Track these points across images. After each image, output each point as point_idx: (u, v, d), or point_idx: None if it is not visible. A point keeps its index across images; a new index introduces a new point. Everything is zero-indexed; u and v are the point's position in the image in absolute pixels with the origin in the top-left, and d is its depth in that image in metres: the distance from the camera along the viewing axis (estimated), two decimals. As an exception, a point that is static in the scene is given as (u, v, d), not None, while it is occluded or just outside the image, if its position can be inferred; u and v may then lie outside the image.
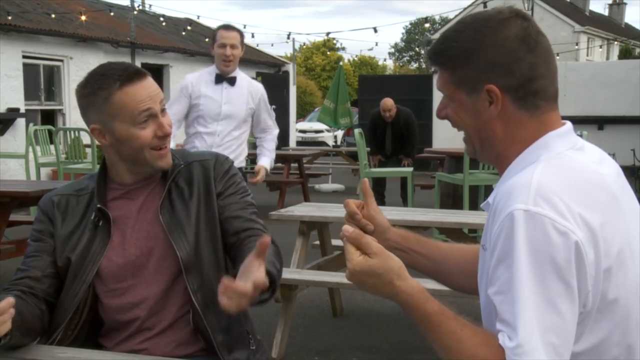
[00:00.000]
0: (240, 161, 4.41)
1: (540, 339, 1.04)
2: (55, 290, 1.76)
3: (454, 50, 1.23)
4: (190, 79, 4.35)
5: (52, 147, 8.90)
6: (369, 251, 1.19)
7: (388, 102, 8.93)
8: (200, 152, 1.90)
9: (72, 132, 8.48)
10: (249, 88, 4.38)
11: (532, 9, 21.59)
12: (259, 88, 4.47)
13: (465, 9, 30.55)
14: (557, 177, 1.13)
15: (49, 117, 12.51)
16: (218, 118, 4.28)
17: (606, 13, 39.10)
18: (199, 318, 1.75)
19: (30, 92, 12.01)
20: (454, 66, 1.24)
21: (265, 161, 4.55)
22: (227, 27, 4.32)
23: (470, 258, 1.46)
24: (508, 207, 1.10)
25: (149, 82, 1.73)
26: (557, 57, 20.85)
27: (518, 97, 1.20)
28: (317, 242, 4.42)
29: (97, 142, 1.83)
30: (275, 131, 4.63)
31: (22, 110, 11.58)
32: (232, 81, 4.31)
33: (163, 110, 1.76)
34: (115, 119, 1.70)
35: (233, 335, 1.79)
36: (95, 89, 1.69)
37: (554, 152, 1.19)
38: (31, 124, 9.02)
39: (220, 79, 4.31)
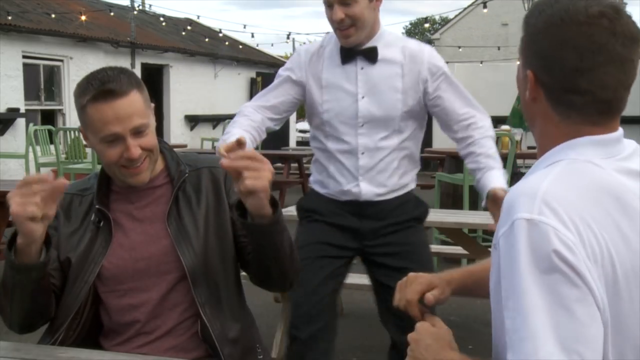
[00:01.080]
0: (407, 192, 2.52)
1: (562, 352, 0.97)
2: (61, 284, 1.76)
3: (532, 19, 1.18)
4: (304, 53, 2.50)
5: (52, 147, 8.91)
6: (434, 322, 1.35)
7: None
8: (211, 158, 1.83)
9: (72, 132, 8.48)
10: (405, 59, 2.40)
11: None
12: (428, 55, 2.42)
13: (465, 8, 30.60)
14: (568, 188, 1.07)
15: (49, 117, 12.52)
16: (354, 123, 2.43)
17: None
18: (207, 330, 1.72)
19: (30, 92, 12.01)
20: (525, 34, 1.19)
21: (497, 177, 2.34)
22: None
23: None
24: (513, 214, 1.06)
25: (123, 102, 1.64)
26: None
27: (551, 97, 1.16)
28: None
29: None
30: (486, 120, 2.46)
31: (22, 110, 11.58)
32: (370, 55, 2.38)
33: (139, 133, 1.67)
34: (88, 129, 1.70)
35: (241, 347, 1.77)
36: (78, 94, 1.69)
37: (581, 158, 1.12)
38: (31, 124, 9.03)
39: (349, 54, 2.39)
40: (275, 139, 10.95)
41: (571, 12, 1.12)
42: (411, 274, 1.55)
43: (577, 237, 1.02)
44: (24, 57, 11.71)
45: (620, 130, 1.17)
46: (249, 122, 2.45)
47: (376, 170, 2.43)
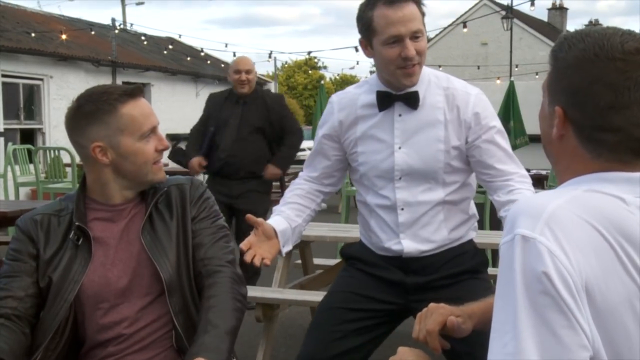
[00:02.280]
0: (461, 244, 2.23)
1: None
2: (37, 311, 1.75)
3: (562, 54, 1.14)
4: (336, 102, 2.28)
5: (31, 166, 8.82)
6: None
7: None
8: (176, 177, 1.93)
9: (52, 151, 8.41)
10: (448, 104, 2.13)
11: (511, 28, 21.91)
12: (475, 99, 2.13)
13: (445, 28, 30.95)
14: (576, 214, 1.04)
15: (28, 136, 12.41)
16: (391, 176, 2.18)
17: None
18: (181, 340, 1.75)
19: (9, 111, 11.92)
20: (554, 68, 1.16)
21: None
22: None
23: None
24: (516, 227, 1.04)
25: (145, 99, 1.83)
26: (537, 76, 21.16)
27: (581, 135, 1.11)
28: (299, 261, 4.40)
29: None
30: (526, 183, 2.13)
31: (1, 130, 11.48)
32: (411, 100, 2.13)
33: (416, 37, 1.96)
34: (123, 133, 1.74)
35: None
36: (99, 105, 1.73)
37: (605, 190, 1.08)
38: (10, 143, 8.94)
39: (386, 100, 2.15)
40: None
41: (606, 48, 1.09)
42: (432, 305, 1.50)
43: (573, 265, 1.00)
44: (3, 76, 11.64)
45: None
46: (295, 194, 2.32)
47: (419, 225, 2.15)
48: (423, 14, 2.04)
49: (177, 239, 1.81)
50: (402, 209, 2.16)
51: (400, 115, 2.12)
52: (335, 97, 2.28)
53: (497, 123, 2.12)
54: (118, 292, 1.76)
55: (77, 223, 1.77)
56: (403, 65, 2.03)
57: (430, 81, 2.13)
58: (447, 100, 2.11)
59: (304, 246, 4.23)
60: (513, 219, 1.06)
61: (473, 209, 2.27)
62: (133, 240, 1.79)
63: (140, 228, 1.79)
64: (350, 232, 4.28)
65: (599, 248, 1.03)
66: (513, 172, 2.09)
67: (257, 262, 1.95)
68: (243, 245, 1.96)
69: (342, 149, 2.26)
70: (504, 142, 2.12)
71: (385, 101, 2.13)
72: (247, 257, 1.95)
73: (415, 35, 2.01)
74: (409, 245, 2.17)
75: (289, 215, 2.22)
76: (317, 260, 4.48)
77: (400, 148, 2.13)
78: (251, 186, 4.73)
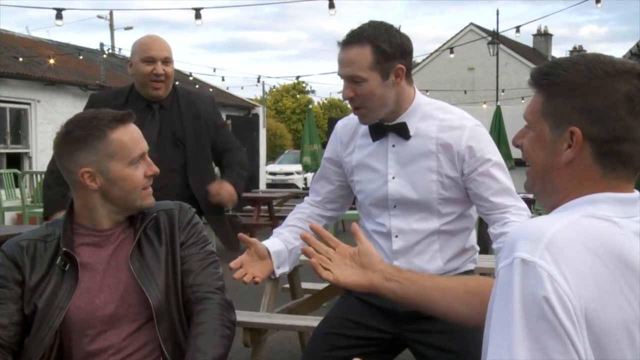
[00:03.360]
0: (458, 274, 2.18)
1: None
2: (21, 338, 1.73)
3: (560, 78, 1.15)
4: (340, 128, 2.30)
5: (17, 190, 8.76)
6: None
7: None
8: (164, 202, 1.92)
9: (38, 176, 8.37)
10: (441, 133, 2.10)
11: (497, 54, 22.16)
12: (470, 130, 2.10)
13: (432, 53, 31.25)
14: (575, 240, 1.05)
15: (14, 160, 12.35)
16: (385, 205, 2.18)
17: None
18: None
19: (-4, 135, 11.85)
20: (552, 93, 1.16)
21: None
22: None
23: (471, 289, 1.46)
24: (515, 251, 1.05)
25: (134, 124, 1.81)
26: (522, 101, 21.34)
27: (600, 151, 1.13)
28: (287, 286, 4.38)
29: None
30: (522, 215, 2.09)
31: (-13, 154, 11.41)
32: (400, 131, 2.12)
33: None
34: (112, 159, 1.73)
35: None
36: (89, 131, 1.72)
37: (599, 212, 1.11)
38: (-4, 168, 8.89)
39: (379, 130, 2.15)
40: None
41: (610, 64, 1.14)
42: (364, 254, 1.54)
43: (572, 290, 1.01)
44: (-10, 99, 11.60)
45: (637, 193, 1.16)
46: (296, 217, 2.33)
47: (413, 254, 2.14)
48: (378, 57, 1.99)
49: (166, 265, 1.79)
50: (396, 236, 2.15)
51: (393, 145, 2.13)
52: (340, 123, 2.30)
53: (494, 156, 2.08)
54: (105, 319, 1.74)
55: (64, 249, 1.75)
56: (353, 107, 2.09)
57: (426, 112, 2.12)
58: (440, 131, 2.09)
59: (292, 270, 4.22)
60: (512, 243, 1.06)
61: (472, 241, 2.23)
62: (121, 266, 1.77)
63: (129, 254, 1.77)
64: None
65: (598, 274, 1.04)
66: (510, 205, 2.06)
67: (247, 280, 1.92)
68: (233, 263, 1.91)
69: (344, 174, 2.28)
70: (502, 174, 2.08)
71: (377, 132, 2.14)
72: (236, 275, 1.92)
73: (354, 80, 2.02)
74: None
75: (286, 238, 2.21)
76: (305, 285, 4.47)
77: (393, 178, 2.13)
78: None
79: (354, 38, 2.01)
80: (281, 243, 2.16)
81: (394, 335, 2.17)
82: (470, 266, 2.23)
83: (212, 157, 3.19)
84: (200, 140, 3.09)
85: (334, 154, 2.28)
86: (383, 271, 1.51)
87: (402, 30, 2.13)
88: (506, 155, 9.90)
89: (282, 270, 2.12)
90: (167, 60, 3.00)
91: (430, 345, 2.11)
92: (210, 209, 3.08)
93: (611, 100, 1.11)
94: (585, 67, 1.14)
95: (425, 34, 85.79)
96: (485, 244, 4.91)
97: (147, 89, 3.00)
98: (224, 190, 3.04)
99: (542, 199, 1.24)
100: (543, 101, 1.17)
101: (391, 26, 2.07)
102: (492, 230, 2.07)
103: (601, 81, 1.12)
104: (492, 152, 2.09)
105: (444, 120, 2.10)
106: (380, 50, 1.99)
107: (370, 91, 2.02)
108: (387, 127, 2.13)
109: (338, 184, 2.30)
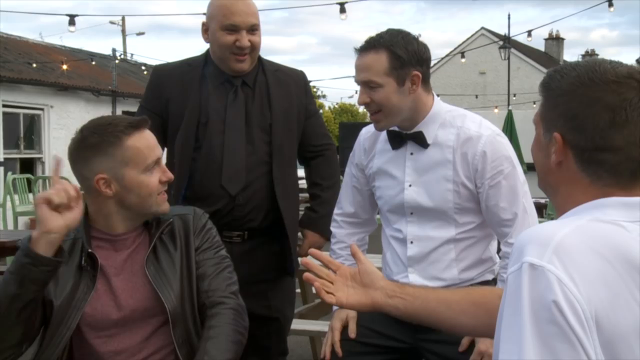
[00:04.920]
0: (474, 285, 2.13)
1: None
2: (40, 324, 1.73)
3: (555, 84, 1.18)
4: (363, 134, 2.28)
5: (30, 195, 8.82)
6: None
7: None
8: (178, 207, 1.93)
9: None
10: (458, 142, 2.07)
11: (509, 58, 22.09)
12: (486, 141, 2.05)
13: (443, 58, 31.21)
14: (584, 243, 1.05)
15: (28, 166, 12.44)
16: (402, 211, 2.17)
17: (580, 62, 39.97)
18: None
19: (9, 141, 11.96)
20: (547, 98, 1.20)
21: None
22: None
23: (476, 299, 1.45)
24: (523, 256, 1.05)
25: (149, 130, 1.81)
26: (534, 105, 21.25)
27: (582, 159, 1.14)
28: (299, 290, 4.38)
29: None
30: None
31: (1, 159, 11.50)
32: (418, 139, 2.11)
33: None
34: (127, 166, 1.73)
35: None
36: (104, 137, 1.72)
37: (607, 217, 1.11)
38: (9, 173, 8.96)
39: (397, 138, 2.15)
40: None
41: (600, 72, 1.14)
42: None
43: (582, 294, 1.01)
44: (4, 106, 11.70)
45: None
46: (341, 250, 2.32)
47: (428, 262, 2.12)
48: (394, 63, 2.00)
49: (181, 270, 1.80)
50: (412, 242, 2.14)
51: (412, 153, 2.12)
52: (363, 130, 2.29)
53: (507, 167, 2.04)
54: (120, 322, 1.74)
55: (89, 250, 1.75)
56: (369, 113, 2.10)
57: (445, 120, 2.10)
58: (457, 140, 2.07)
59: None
60: (520, 248, 1.06)
61: (491, 252, 2.19)
62: (136, 271, 1.78)
63: (145, 259, 1.78)
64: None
65: (607, 277, 1.03)
66: (513, 219, 2.04)
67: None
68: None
69: (367, 184, 2.28)
70: (515, 183, 2.04)
71: (396, 140, 2.14)
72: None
73: (369, 86, 2.03)
74: (415, 280, 2.13)
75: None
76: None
77: (410, 186, 2.12)
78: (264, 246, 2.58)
79: (371, 44, 2.02)
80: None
81: (410, 345, 2.16)
82: (488, 277, 2.18)
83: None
84: (290, 127, 2.55)
85: (358, 161, 2.28)
86: (385, 288, 1.51)
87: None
88: (519, 159, 9.81)
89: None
90: (254, 28, 2.41)
91: (444, 357, 2.09)
92: (292, 223, 2.56)
93: (592, 110, 1.12)
94: (577, 73, 1.15)
95: (435, 38, 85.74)
96: None
97: (227, 62, 2.43)
98: (306, 245, 2.63)
99: (550, 199, 1.26)
100: (542, 106, 1.21)
101: (408, 33, 2.07)
102: (501, 246, 2.08)
103: (586, 89, 1.13)
104: (507, 161, 2.06)
105: (461, 128, 2.08)
106: (396, 56, 2.00)
107: (385, 97, 2.03)
108: (405, 136, 2.12)
109: (366, 194, 2.29)
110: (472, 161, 2.05)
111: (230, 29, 2.36)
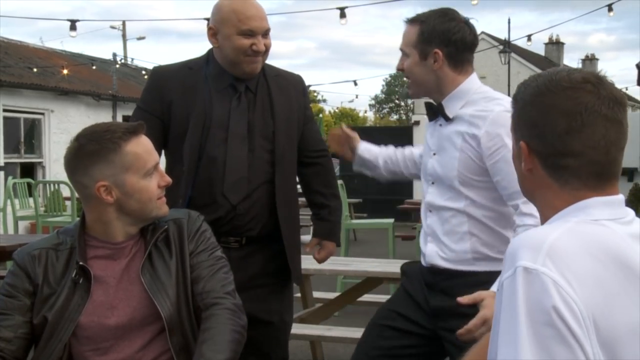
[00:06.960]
0: (489, 271, 2.11)
1: None
2: (24, 352, 1.72)
3: (519, 95, 1.24)
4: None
5: (31, 200, 8.82)
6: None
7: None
8: (174, 211, 1.90)
9: (51, 185, 8.42)
10: (471, 117, 2.15)
11: (509, 63, 22.11)
12: (495, 115, 2.11)
13: (443, 62, 31.16)
14: (575, 245, 1.07)
15: (28, 170, 12.44)
16: (428, 179, 2.29)
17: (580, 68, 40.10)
18: None
19: (9, 145, 11.96)
20: (514, 109, 1.25)
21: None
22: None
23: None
24: (517, 260, 1.06)
25: (145, 136, 1.81)
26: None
27: (547, 165, 1.18)
28: (299, 295, 4.38)
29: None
30: (528, 219, 2.08)
31: (1, 164, 11.50)
32: (441, 112, 2.24)
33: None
34: (128, 172, 1.72)
35: None
36: (103, 144, 1.70)
37: (591, 217, 1.13)
38: (10, 177, 8.95)
39: (430, 110, 2.30)
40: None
41: (555, 80, 1.18)
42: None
43: (577, 295, 1.02)
44: (4, 110, 11.69)
45: (622, 195, 1.19)
46: (392, 150, 2.59)
47: (442, 231, 2.20)
48: (420, 37, 2.17)
49: (176, 276, 1.79)
50: (430, 211, 2.26)
51: (440, 125, 2.25)
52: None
53: (510, 142, 2.04)
54: (118, 332, 1.73)
55: (80, 262, 1.73)
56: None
57: (472, 99, 2.18)
58: (472, 116, 2.14)
59: (304, 279, 4.22)
60: (513, 254, 1.08)
61: (504, 235, 2.18)
62: (133, 280, 1.76)
63: (140, 267, 1.77)
64: (350, 265, 4.27)
65: (601, 278, 1.05)
66: (519, 191, 2.04)
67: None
68: None
69: None
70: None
71: (430, 112, 2.30)
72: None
73: (403, 53, 2.25)
74: (431, 249, 2.23)
75: (379, 151, 2.57)
76: (316, 294, 4.47)
77: (434, 154, 2.26)
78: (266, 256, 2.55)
79: (413, 18, 2.23)
80: (374, 149, 2.55)
81: (430, 332, 2.21)
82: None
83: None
84: (291, 134, 2.53)
85: None
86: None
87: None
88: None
89: (361, 147, 2.52)
90: (268, 32, 2.41)
91: (460, 348, 2.06)
92: (290, 232, 2.53)
93: (549, 117, 1.16)
94: (537, 84, 1.20)
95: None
96: None
97: (240, 65, 2.39)
98: (325, 254, 2.70)
99: (533, 204, 1.29)
100: (511, 116, 1.26)
101: (448, 13, 2.19)
102: (514, 217, 2.08)
103: (543, 97, 1.18)
104: (508, 139, 2.01)
105: (479, 105, 2.16)
106: (421, 32, 2.17)
107: (409, 67, 2.22)
108: (436, 107, 2.27)
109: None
110: (479, 132, 2.11)
111: (247, 34, 2.35)
